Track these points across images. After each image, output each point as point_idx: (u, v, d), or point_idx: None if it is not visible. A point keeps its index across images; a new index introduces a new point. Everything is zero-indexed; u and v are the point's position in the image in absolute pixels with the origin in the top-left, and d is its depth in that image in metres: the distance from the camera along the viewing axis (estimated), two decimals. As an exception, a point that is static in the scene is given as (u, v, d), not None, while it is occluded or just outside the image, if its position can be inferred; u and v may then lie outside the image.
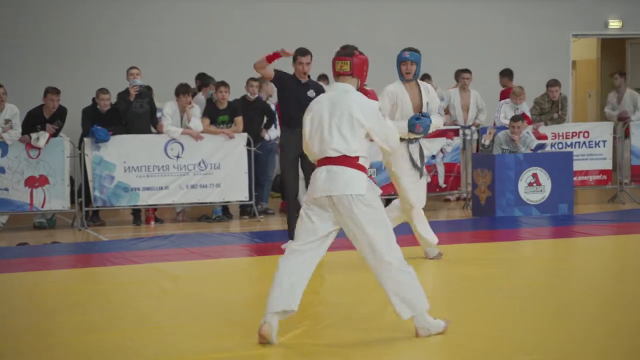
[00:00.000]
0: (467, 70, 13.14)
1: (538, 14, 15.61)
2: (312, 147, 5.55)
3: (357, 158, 5.43)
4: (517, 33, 15.55)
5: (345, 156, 5.41)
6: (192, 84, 12.39)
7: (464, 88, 13.08)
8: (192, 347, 5.44)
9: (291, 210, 9.25)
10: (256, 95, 12.03)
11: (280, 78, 9.13)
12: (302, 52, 9.13)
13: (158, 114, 11.73)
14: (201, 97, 12.49)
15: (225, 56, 14.25)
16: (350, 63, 5.60)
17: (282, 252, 8.85)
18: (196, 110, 11.54)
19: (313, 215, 5.49)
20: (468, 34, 15.27)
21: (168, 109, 11.46)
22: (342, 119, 5.44)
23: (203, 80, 12.77)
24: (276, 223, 11.57)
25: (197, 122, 11.42)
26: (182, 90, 11.42)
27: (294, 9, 14.85)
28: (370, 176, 5.46)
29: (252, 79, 12.09)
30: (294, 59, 9.16)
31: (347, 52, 5.67)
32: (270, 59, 8.87)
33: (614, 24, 16.06)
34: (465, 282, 7.33)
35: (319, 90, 9.25)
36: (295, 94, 9.05)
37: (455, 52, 14.87)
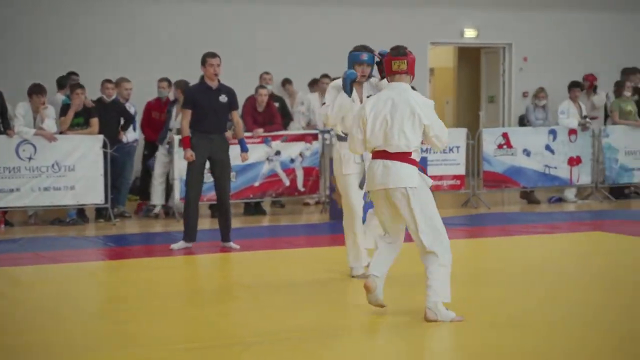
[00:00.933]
0: (326, 76, 13.26)
1: (396, 21, 15.92)
2: (375, 142, 6.04)
3: (410, 153, 5.97)
4: (376, 39, 15.77)
5: (402, 152, 5.96)
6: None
7: (323, 93, 13.19)
8: None
9: (191, 213, 9.25)
10: (112, 97, 11.84)
11: (192, 102, 9.08)
12: (211, 54, 9.10)
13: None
14: (58, 97, 12.19)
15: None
16: (407, 62, 6.07)
17: (141, 255, 8.90)
18: (50, 111, 11.24)
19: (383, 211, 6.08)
20: (327, 39, 15.43)
21: (20, 110, 11.12)
22: (403, 117, 5.93)
23: (60, 81, 12.50)
24: (133, 226, 11.41)
25: (50, 123, 11.13)
26: (35, 91, 11.11)
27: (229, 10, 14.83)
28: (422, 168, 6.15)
29: (108, 80, 11.92)
30: (203, 62, 9.12)
31: (401, 51, 6.12)
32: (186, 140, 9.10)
33: (470, 33, 16.55)
34: (323, 285, 7.36)
35: (230, 94, 9.28)
36: (209, 103, 9.07)
37: (317, 57, 15.00)
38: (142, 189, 12.65)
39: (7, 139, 11.00)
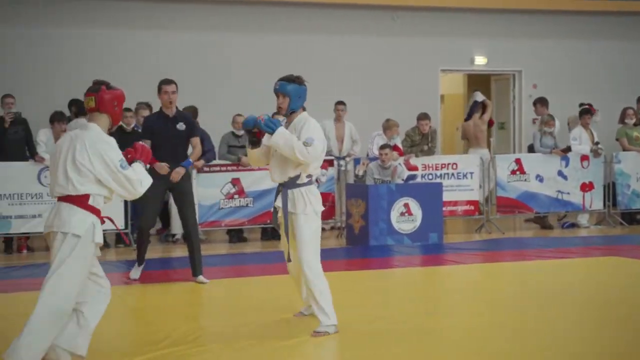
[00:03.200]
0: (341, 102, 13.46)
1: (407, 49, 16.14)
2: (51, 183, 5.48)
3: (85, 197, 5.32)
4: (389, 67, 16.03)
5: (70, 196, 5.31)
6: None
7: (338, 119, 13.41)
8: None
9: (143, 241, 9.06)
10: (132, 125, 12.03)
11: (150, 131, 8.87)
12: (166, 81, 8.88)
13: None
14: (79, 123, 12.38)
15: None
16: (96, 99, 5.45)
17: (159, 280, 9.02)
18: (71, 137, 11.43)
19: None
20: (345, 67, 15.65)
21: (42, 136, 11.34)
22: (67, 161, 5.35)
23: (79, 106, 12.68)
24: (152, 251, 11.53)
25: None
26: (57, 118, 11.32)
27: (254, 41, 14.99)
28: None
29: (127, 109, 12.08)
30: (159, 90, 8.87)
31: (91, 88, 5.52)
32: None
33: (480, 61, 16.74)
34: (342, 309, 7.48)
35: (189, 122, 8.98)
36: (165, 131, 8.84)
37: (332, 84, 15.20)
38: (161, 215, 12.81)
39: (29, 166, 11.20)
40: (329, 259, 10.85)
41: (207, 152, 11.71)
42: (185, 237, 9.25)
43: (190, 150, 9.20)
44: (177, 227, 12.14)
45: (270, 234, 12.66)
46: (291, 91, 6.55)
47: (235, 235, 12.42)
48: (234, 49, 15.08)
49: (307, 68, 15.26)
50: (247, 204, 12.16)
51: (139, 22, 14.70)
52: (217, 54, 14.96)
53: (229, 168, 12.11)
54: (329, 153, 13.24)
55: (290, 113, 6.57)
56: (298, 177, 6.60)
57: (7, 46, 14.02)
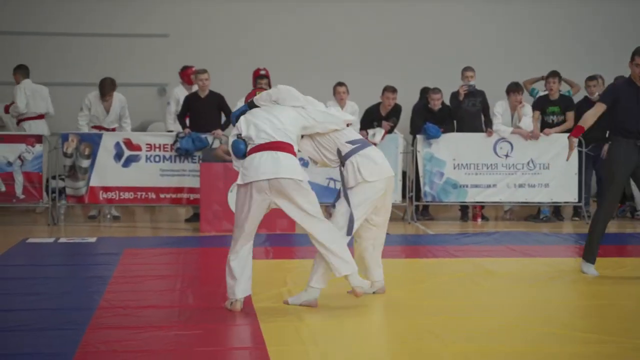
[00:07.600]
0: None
1: None
2: None
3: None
4: None
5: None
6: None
7: None
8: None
9: (597, 232, 7.70)
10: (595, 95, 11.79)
11: (611, 99, 7.52)
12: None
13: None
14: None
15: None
16: None
17: (608, 254, 8.74)
18: (527, 109, 11.55)
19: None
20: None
21: (498, 108, 11.59)
22: None
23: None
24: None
25: (527, 121, 11.43)
26: (512, 89, 11.48)
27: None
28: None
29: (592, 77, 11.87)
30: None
31: None
32: None
33: None
34: None
35: None
36: (635, 102, 7.48)
37: None
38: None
39: (486, 137, 11.52)
40: None
41: None
42: None
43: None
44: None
45: None
46: None
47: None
48: None
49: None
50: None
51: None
52: None
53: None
54: None
55: None
56: None
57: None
